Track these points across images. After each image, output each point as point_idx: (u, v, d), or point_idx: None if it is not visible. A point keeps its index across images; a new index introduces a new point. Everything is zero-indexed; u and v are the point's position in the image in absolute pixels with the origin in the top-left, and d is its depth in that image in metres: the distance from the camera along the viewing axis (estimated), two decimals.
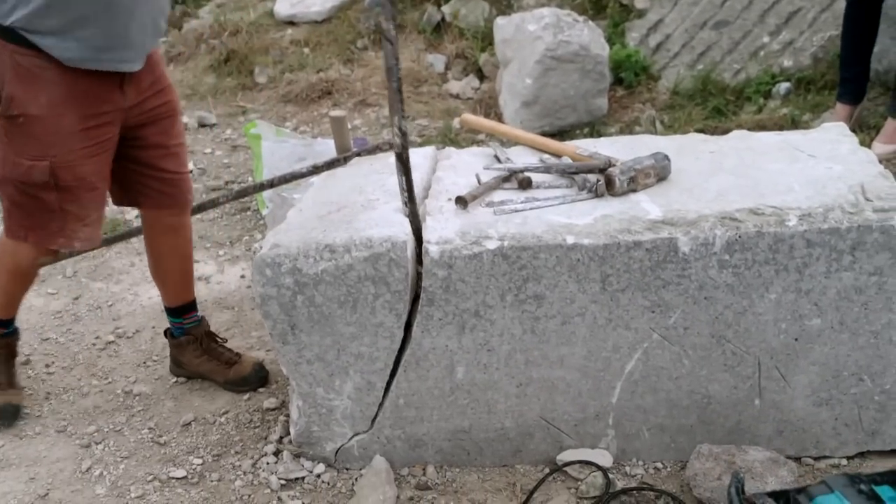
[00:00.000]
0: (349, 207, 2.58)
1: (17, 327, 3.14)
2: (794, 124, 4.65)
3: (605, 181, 2.53)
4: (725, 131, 4.45)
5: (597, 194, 2.53)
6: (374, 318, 2.44)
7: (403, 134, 2.38)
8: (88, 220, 2.73)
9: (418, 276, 2.44)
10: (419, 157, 2.98)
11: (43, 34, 2.46)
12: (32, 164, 2.57)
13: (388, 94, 2.37)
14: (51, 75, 2.52)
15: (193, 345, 3.12)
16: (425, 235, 2.42)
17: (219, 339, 3.19)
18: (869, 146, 4.15)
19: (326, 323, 2.46)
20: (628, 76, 5.46)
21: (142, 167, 2.84)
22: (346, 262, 2.38)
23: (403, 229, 2.41)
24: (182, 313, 3.15)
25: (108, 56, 2.54)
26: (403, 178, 2.43)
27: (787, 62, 5.14)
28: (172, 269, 3.09)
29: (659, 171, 2.58)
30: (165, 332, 3.23)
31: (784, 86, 4.98)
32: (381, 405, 2.58)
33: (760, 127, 4.54)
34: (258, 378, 3.08)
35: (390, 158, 2.97)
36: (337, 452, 2.65)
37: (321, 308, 2.43)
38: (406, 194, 2.45)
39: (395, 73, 2.30)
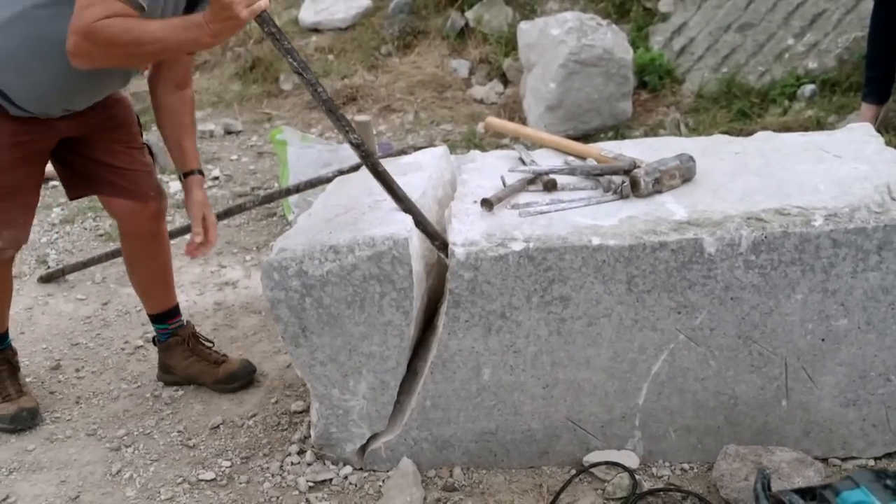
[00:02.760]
0: (356, 209, 2.60)
1: (11, 343, 3.17)
2: (819, 126, 4.64)
3: (630, 183, 2.54)
4: (750, 134, 4.45)
5: (622, 196, 2.54)
6: (382, 316, 2.45)
7: (357, 146, 2.41)
8: (14, 224, 2.80)
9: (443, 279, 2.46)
10: (428, 157, 3.01)
11: None
12: None
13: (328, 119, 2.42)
14: None
15: (181, 346, 3.15)
16: (451, 237, 2.44)
17: (205, 342, 3.22)
18: (895, 146, 4.13)
19: (336, 324, 2.47)
20: (652, 79, 5.46)
21: (91, 161, 2.89)
22: (351, 262, 2.39)
23: (405, 226, 2.42)
24: (166, 318, 3.20)
25: (33, 111, 2.63)
26: (380, 183, 2.47)
27: (811, 64, 5.13)
28: (151, 277, 3.12)
29: (684, 173, 2.58)
30: (153, 340, 3.27)
31: (809, 88, 4.97)
32: (407, 406, 2.59)
33: (785, 129, 4.53)
34: (246, 373, 3.11)
35: (401, 160, 3.02)
36: (363, 454, 2.66)
37: (329, 309, 2.45)
38: (391, 196, 2.48)
39: (320, 97, 2.35)
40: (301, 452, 2.75)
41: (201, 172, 2.92)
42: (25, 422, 3.01)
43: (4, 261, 2.95)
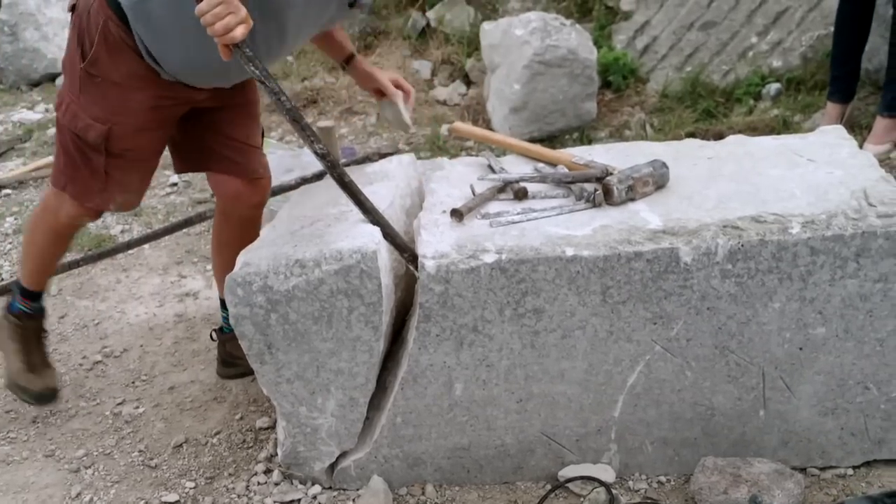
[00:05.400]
0: (322, 220, 2.53)
1: (45, 306, 3.08)
2: (785, 125, 4.63)
3: (602, 190, 2.48)
4: (717, 134, 4.44)
5: (594, 204, 2.48)
6: (350, 332, 2.38)
7: (322, 156, 2.35)
8: (130, 188, 2.77)
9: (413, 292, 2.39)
10: (393, 165, 2.95)
11: (137, 22, 2.48)
12: (91, 123, 2.58)
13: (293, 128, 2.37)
14: (134, 54, 2.53)
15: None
16: (420, 250, 2.37)
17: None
18: (860, 147, 4.12)
19: (303, 340, 2.39)
20: (616, 79, 5.42)
21: (213, 132, 2.83)
22: (317, 277, 2.32)
23: (373, 239, 2.35)
24: None
25: (182, 79, 2.60)
26: (347, 194, 2.42)
27: (776, 63, 5.11)
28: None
29: (657, 179, 2.53)
30: (212, 335, 3.23)
31: (774, 87, 4.96)
32: (377, 423, 2.52)
33: (752, 129, 4.52)
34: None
35: (367, 168, 2.95)
36: (332, 473, 2.59)
37: (296, 325, 2.37)
38: (359, 207, 2.43)
39: (283, 106, 2.30)
40: (268, 472, 2.67)
41: None
42: (48, 401, 2.99)
43: (79, 225, 2.92)
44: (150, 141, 2.70)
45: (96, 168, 2.65)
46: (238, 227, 3.00)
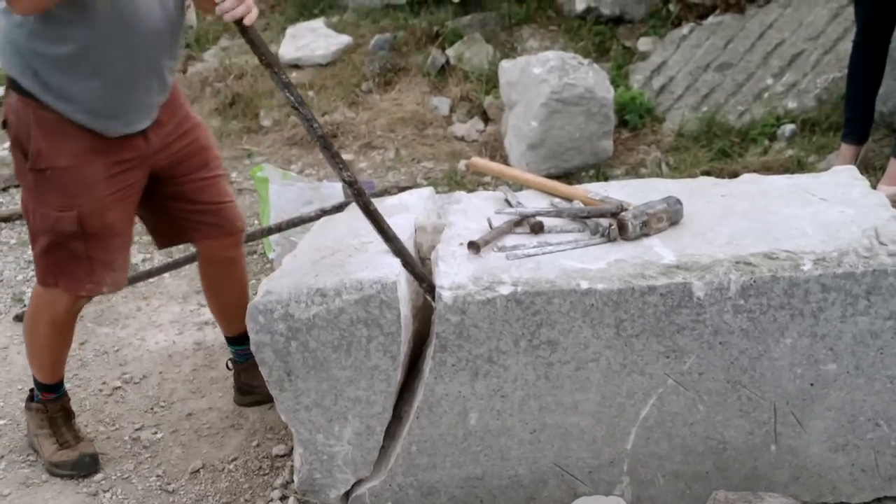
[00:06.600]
0: (343, 251, 2.58)
1: (65, 389, 3.07)
2: (799, 166, 4.65)
3: (617, 225, 2.53)
4: (731, 173, 4.47)
5: (609, 239, 2.53)
6: (368, 361, 2.43)
7: (350, 184, 2.42)
8: (115, 266, 2.77)
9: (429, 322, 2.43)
10: (412, 198, 3.00)
11: (55, 99, 2.53)
12: (60, 215, 2.61)
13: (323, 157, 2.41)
14: (73, 129, 2.57)
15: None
16: (438, 281, 2.42)
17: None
18: (874, 188, 4.15)
19: (322, 368, 2.44)
20: (633, 118, 5.47)
21: (182, 202, 2.88)
22: (338, 306, 2.37)
23: (393, 270, 2.40)
24: (246, 340, 3.13)
25: (116, 123, 2.61)
26: (371, 222, 2.47)
27: (791, 104, 5.16)
28: (229, 299, 3.08)
29: (671, 215, 2.57)
30: (227, 364, 3.27)
31: (789, 128, 4.99)
32: (392, 452, 2.56)
33: (766, 169, 4.55)
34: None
35: (387, 201, 3.00)
36: (347, 500, 2.62)
37: (315, 353, 2.42)
38: (382, 236, 2.48)
39: (315, 132, 2.36)
40: (283, 498, 2.71)
41: None
42: (88, 468, 2.92)
43: (77, 311, 2.89)
44: (121, 212, 2.72)
45: (78, 255, 2.68)
46: (221, 268, 3.06)
